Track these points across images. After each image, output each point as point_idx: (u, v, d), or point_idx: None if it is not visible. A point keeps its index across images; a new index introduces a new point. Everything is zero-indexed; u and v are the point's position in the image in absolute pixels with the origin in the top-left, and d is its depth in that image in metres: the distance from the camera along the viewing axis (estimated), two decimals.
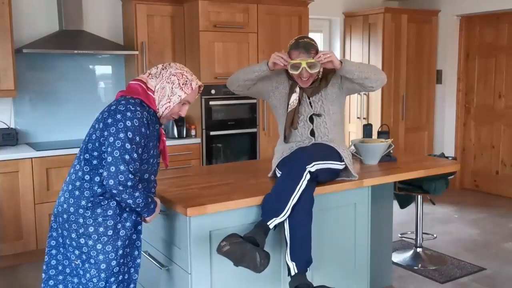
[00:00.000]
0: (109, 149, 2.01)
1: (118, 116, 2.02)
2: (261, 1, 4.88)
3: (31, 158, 3.97)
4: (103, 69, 4.81)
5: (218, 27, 4.67)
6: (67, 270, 2.16)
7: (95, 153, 2.07)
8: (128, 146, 2.00)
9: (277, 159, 2.73)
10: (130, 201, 2.05)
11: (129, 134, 2.01)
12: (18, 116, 4.42)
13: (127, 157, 2.00)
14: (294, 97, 2.71)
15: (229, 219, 2.33)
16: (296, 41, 2.67)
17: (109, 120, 2.03)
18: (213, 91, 4.71)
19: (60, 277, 2.18)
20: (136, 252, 2.24)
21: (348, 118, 6.12)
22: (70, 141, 4.46)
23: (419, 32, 5.97)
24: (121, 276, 2.17)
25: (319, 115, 2.73)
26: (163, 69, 2.19)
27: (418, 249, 4.08)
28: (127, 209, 2.14)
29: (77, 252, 2.11)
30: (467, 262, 3.99)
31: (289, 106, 2.73)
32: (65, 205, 2.11)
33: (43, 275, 2.22)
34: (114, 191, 2.01)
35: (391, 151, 3.26)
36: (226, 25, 4.71)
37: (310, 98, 2.74)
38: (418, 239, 4.08)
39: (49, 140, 4.53)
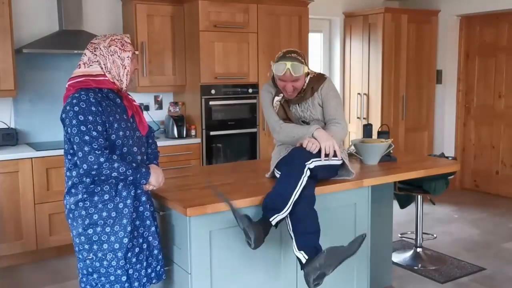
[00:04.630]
0: (71, 139, 2.11)
1: (67, 107, 2.13)
2: (261, 1, 4.88)
3: (31, 158, 3.97)
4: None
5: (218, 27, 4.67)
6: (84, 272, 2.22)
7: (71, 151, 2.17)
8: (83, 128, 2.07)
9: (275, 160, 2.74)
10: (114, 173, 2.10)
11: (80, 117, 2.08)
12: (18, 116, 4.42)
13: (86, 138, 2.07)
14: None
15: (229, 219, 2.33)
16: (284, 54, 2.68)
17: (63, 115, 2.14)
18: (213, 91, 4.71)
19: (84, 279, 2.24)
20: (148, 222, 2.31)
21: (348, 118, 6.11)
22: None
23: (419, 32, 5.96)
24: (137, 249, 2.26)
25: (308, 124, 2.78)
26: (94, 51, 2.23)
27: (418, 249, 4.08)
28: (121, 186, 2.18)
29: (87, 246, 2.18)
30: (467, 262, 3.99)
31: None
32: (67, 206, 2.22)
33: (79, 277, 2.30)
34: (94, 172, 2.07)
35: (391, 151, 3.26)
36: (226, 25, 4.70)
37: (299, 108, 2.80)
38: (418, 239, 4.08)
39: (49, 140, 4.52)
